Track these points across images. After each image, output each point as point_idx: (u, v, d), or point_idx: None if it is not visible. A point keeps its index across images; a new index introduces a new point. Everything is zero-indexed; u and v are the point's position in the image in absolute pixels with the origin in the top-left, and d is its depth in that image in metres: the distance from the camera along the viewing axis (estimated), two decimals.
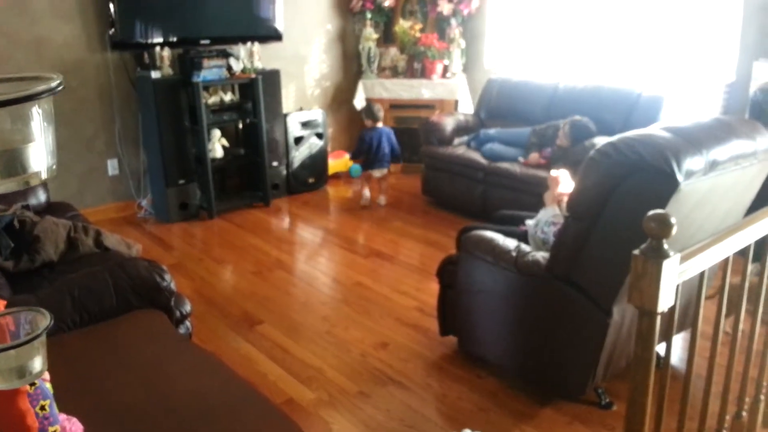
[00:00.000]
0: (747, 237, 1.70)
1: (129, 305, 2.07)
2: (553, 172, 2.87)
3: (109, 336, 1.89)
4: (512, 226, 2.75)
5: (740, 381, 1.87)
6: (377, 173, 4.83)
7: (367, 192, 4.94)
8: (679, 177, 1.84)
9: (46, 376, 1.19)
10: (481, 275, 2.53)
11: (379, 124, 4.79)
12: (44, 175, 0.78)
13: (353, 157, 5.07)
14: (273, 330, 3.07)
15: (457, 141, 4.86)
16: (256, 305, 3.34)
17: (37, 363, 0.91)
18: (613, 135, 2.10)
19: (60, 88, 0.76)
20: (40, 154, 0.77)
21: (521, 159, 4.29)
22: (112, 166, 4.68)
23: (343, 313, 3.26)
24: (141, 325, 1.96)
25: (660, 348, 1.57)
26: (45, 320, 0.90)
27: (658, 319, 1.42)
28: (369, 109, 4.83)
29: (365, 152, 4.76)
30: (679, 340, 2.84)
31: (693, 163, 1.88)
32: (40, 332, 0.88)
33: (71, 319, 1.96)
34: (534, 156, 4.24)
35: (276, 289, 3.55)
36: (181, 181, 4.59)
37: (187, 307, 2.36)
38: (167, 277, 2.18)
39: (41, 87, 0.73)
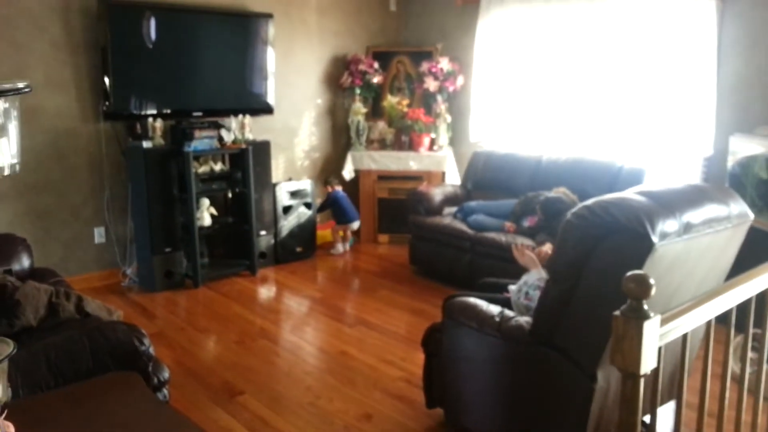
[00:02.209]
0: (728, 301, 1.71)
1: (106, 369, 2.01)
2: (543, 248, 2.92)
3: (84, 397, 1.83)
4: (496, 293, 2.74)
5: None
6: (356, 225, 5.57)
7: (339, 246, 5.53)
8: (654, 238, 1.86)
9: (12, 429, 1.14)
10: (466, 342, 2.50)
11: (339, 187, 5.58)
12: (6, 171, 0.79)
13: (335, 215, 5.59)
14: (254, 401, 2.99)
15: (446, 211, 4.92)
16: (238, 375, 3.26)
17: None
18: None
19: (26, 90, 0.77)
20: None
21: (505, 224, 4.43)
22: (98, 234, 4.67)
23: (327, 383, 3.19)
24: (116, 387, 1.90)
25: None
26: (8, 348, 0.89)
27: (642, 381, 1.41)
28: (328, 178, 5.68)
29: (341, 209, 5.49)
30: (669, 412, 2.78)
31: (667, 225, 1.91)
32: (2, 358, 0.86)
33: (45, 383, 1.91)
34: (507, 224, 4.40)
35: (259, 359, 3.48)
36: (168, 249, 4.57)
37: (165, 374, 2.30)
38: (146, 341, 2.14)
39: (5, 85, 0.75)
